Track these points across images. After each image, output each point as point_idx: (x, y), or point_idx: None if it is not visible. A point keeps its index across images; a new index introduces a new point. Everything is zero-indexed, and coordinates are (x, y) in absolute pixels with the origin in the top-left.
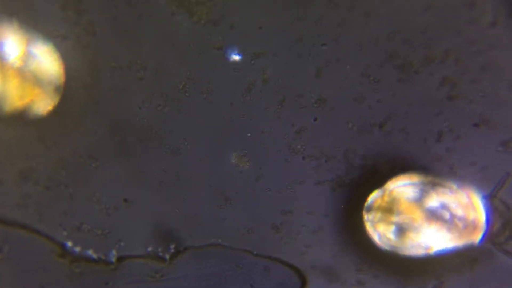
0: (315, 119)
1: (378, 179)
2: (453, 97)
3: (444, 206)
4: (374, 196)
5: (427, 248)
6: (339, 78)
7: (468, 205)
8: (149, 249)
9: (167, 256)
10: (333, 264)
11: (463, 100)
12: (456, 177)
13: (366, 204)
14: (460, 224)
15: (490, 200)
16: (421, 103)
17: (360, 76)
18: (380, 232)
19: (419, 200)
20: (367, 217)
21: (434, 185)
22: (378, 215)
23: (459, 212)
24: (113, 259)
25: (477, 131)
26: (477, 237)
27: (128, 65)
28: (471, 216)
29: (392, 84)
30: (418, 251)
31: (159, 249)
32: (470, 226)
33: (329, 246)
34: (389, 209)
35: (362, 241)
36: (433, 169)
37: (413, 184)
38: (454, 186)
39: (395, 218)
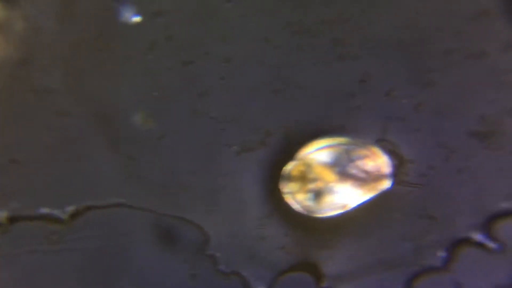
0: (223, 78)
1: (289, 146)
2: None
3: (353, 164)
4: (288, 167)
5: (344, 206)
6: (245, 39)
7: (372, 156)
8: (44, 210)
9: (65, 217)
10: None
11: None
12: (352, 132)
13: (282, 176)
14: (370, 176)
15: (380, 144)
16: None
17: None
18: (299, 200)
19: (330, 163)
20: (284, 188)
21: (340, 146)
22: (294, 185)
23: (367, 165)
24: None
25: (363, 86)
26: (387, 183)
27: None
28: (377, 166)
29: (291, 49)
30: (336, 211)
31: (55, 210)
32: (379, 175)
33: (230, 204)
34: (304, 177)
35: (282, 209)
36: (336, 130)
37: (322, 148)
38: (356, 142)
39: (310, 185)
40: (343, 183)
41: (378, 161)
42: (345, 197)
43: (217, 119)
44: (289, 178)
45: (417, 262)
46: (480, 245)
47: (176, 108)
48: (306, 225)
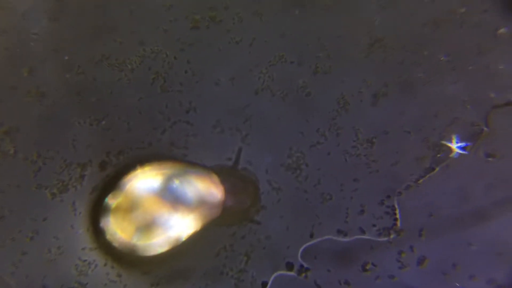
0: None
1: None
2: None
3: (184, 190)
4: (108, 200)
5: (175, 239)
6: None
7: (207, 182)
8: None
9: None
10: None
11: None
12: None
13: (101, 211)
14: (204, 204)
15: (234, 171)
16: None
17: None
18: (123, 237)
19: (157, 191)
20: (105, 225)
21: (170, 172)
22: (117, 220)
23: (201, 191)
24: None
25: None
26: (220, 211)
27: None
28: (210, 193)
29: None
30: (169, 244)
31: None
32: (213, 202)
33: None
34: (127, 210)
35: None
36: (167, 155)
37: (149, 176)
38: (190, 167)
39: (136, 219)
40: (174, 213)
41: (211, 189)
42: (176, 229)
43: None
44: (110, 212)
45: None
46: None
47: None
48: (133, 265)
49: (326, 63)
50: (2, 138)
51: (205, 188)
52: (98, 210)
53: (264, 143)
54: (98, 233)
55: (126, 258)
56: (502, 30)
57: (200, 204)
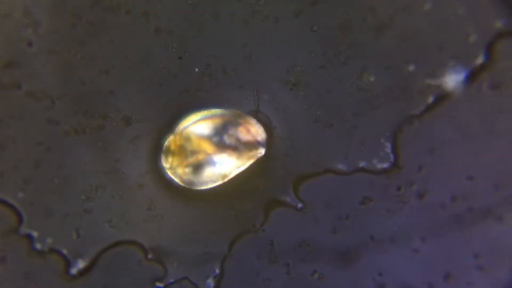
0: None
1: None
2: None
3: (229, 134)
4: (167, 142)
5: (223, 176)
6: None
7: (246, 126)
8: None
9: None
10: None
11: None
12: (225, 104)
13: (162, 151)
14: (246, 146)
15: (255, 115)
16: None
17: None
18: (180, 174)
19: (207, 135)
20: (165, 164)
21: (215, 117)
22: (174, 159)
23: (241, 135)
24: None
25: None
26: (260, 151)
27: None
28: (251, 135)
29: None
30: (217, 181)
31: None
32: (253, 144)
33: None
34: (182, 152)
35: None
36: (209, 102)
37: (198, 121)
38: (230, 113)
39: (189, 159)
40: (221, 153)
41: (252, 130)
42: (224, 167)
43: None
44: (168, 152)
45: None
46: (288, 205)
47: None
48: (186, 198)
49: None
50: None
51: (245, 131)
52: (158, 151)
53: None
54: (158, 171)
55: (182, 191)
56: None
57: (245, 145)
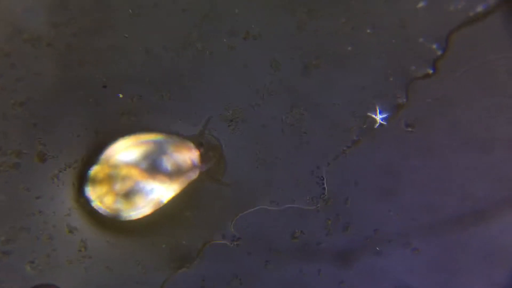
0: None
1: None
2: None
3: (160, 158)
4: (93, 172)
5: (156, 204)
6: None
7: (182, 148)
8: None
9: None
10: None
11: None
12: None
13: (87, 181)
14: (179, 169)
15: (200, 136)
16: None
17: None
18: (108, 205)
19: (135, 161)
20: (92, 195)
21: (147, 142)
22: (101, 189)
23: (173, 160)
24: None
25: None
26: (196, 174)
27: None
28: (187, 158)
29: None
30: (151, 208)
31: None
32: (188, 167)
33: None
34: (110, 181)
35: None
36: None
37: (128, 146)
38: (163, 136)
39: (118, 188)
40: (153, 180)
41: (185, 156)
42: (156, 194)
43: None
44: (95, 182)
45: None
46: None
47: None
48: (117, 230)
49: (256, 30)
50: None
51: (180, 154)
52: (81, 181)
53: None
54: (83, 202)
55: (111, 223)
56: (421, 4)
57: (177, 169)
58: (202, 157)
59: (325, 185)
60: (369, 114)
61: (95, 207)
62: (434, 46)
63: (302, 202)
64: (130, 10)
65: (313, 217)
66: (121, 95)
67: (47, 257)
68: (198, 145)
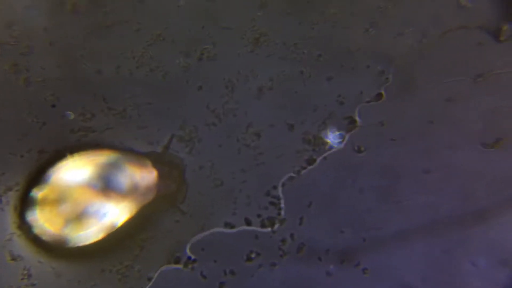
0: None
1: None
2: None
3: (116, 177)
4: (37, 194)
5: (114, 225)
6: None
7: (138, 166)
8: None
9: None
10: None
11: None
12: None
13: (26, 204)
14: (135, 189)
15: (163, 154)
16: None
17: None
18: (54, 230)
19: (87, 180)
20: (32, 218)
21: (101, 160)
22: (46, 214)
23: (131, 178)
24: None
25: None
26: (153, 195)
27: None
28: (142, 177)
29: None
30: (105, 231)
31: None
32: (144, 188)
33: None
34: (56, 203)
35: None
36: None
37: (77, 165)
38: (119, 153)
39: (65, 211)
40: (107, 200)
41: (143, 174)
42: (110, 216)
43: None
44: (38, 206)
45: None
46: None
47: None
48: (64, 257)
49: (211, 51)
50: None
51: (137, 173)
52: (24, 205)
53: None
54: (25, 227)
55: (56, 251)
56: (371, 30)
57: (133, 190)
58: (163, 176)
59: (281, 205)
60: (320, 136)
61: (39, 233)
62: (381, 71)
63: (257, 224)
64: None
65: (268, 238)
66: (72, 115)
67: None
68: (160, 164)
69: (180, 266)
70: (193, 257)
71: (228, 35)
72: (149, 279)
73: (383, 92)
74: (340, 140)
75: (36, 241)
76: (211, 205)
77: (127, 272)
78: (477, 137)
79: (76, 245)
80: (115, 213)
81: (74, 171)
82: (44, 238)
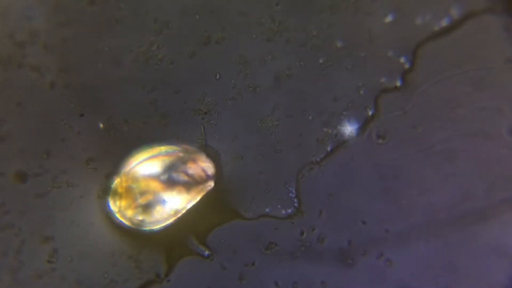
0: None
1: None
2: None
3: (177, 170)
4: (114, 184)
5: (177, 213)
6: None
7: (195, 160)
8: None
9: None
10: None
11: None
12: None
13: (109, 194)
14: (195, 180)
15: (203, 149)
16: None
17: None
18: (130, 217)
19: (154, 173)
20: (113, 207)
21: (163, 155)
22: (122, 202)
23: (190, 170)
24: None
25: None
26: (210, 184)
27: None
28: (200, 169)
29: None
30: (169, 219)
31: None
32: (203, 178)
33: None
34: (130, 193)
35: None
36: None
37: (145, 160)
38: (177, 149)
39: (138, 200)
40: (171, 191)
41: (201, 165)
42: (174, 204)
43: None
44: (115, 195)
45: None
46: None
47: None
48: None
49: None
50: None
51: (194, 165)
52: (106, 193)
53: None
54: (108, 213)
55: (135, 233)
56: (389, 19)
57: (194, 181)
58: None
59: (299, 197)
60: (340, 125)
61: (120, 218)
62: (402, 60)
63: (277, 214)
64: None
65: (287, 229)
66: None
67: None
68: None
69: (198, 256)
70: (211, 247)
71: (244, 21)
72: (168, 270)
73: (404, 80)
74: (360, 129)
75: (116, 225)
76: (231, 195)
77: (143, 264)
78: (505, 125)
79: (149, 229)
80: (179, 200)
81: (147, 165)
82: (124, 222)
